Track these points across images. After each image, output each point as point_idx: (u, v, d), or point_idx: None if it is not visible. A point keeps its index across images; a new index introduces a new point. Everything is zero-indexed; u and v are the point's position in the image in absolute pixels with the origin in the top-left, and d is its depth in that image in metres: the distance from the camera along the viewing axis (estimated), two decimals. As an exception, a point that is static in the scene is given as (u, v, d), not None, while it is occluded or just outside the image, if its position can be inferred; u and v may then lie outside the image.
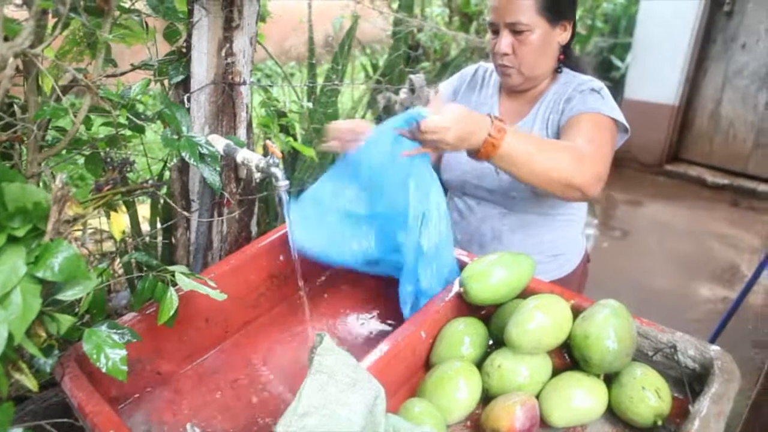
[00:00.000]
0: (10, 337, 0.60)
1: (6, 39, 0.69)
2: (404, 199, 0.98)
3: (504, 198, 1.26)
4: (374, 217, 1.07)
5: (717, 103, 4.02)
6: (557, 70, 1.24)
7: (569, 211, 1.29)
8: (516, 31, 1.13)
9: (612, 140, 1.12)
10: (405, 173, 0.98)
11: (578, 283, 1.38)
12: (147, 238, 1.36)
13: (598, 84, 1.19)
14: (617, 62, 4.88)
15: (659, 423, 0.81)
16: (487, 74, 1.35)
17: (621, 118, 1.14)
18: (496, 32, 1.17)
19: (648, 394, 0.81)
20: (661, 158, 4.23)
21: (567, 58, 1.26)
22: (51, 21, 0.97)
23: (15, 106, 1.05)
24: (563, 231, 1.29)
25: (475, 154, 0.96)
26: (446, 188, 1.37)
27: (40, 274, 0.64)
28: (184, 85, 1.17)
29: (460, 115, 0.92)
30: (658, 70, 4.00)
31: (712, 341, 0.85)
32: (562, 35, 1.18)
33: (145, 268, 0.95)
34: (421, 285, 1.00)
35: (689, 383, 0.86)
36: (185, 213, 1.25)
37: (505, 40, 1.15)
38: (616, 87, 4.81)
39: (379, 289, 1.23)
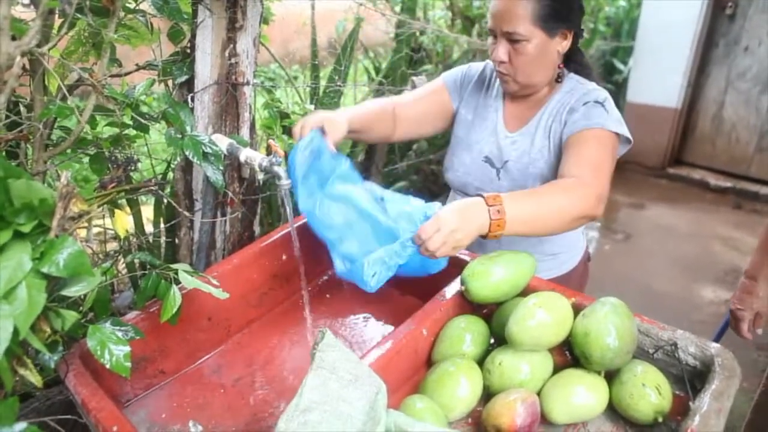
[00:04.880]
0: (15, 332, 0.61)
1: (13, 38, 0.70)
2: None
3: None
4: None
5: (719, 106, 4.02)
6: (558, 79, 1.23)
7: None
8: (513, 40, 1.13)
9: (613, 156, 1.12)
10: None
11: (578, 281, 1.39)
12: (150, 238, 1.37)
13: (603, 95, 1.17)
14: (620, 65, 4.88)
15: (660, 420, 0.81)
16: (493, 75, 1.34)
17: (625, 131, 1.13)
18: (495, 37, 1.17)
19: (648, 391, 0.81)
20: (664, 161, 4.22)
21: (574, 64, 1.25)
22: (57, 21, 0.98)
23: (21, 105, 1.06)
24: None
25: (485, 236, 0.93)
26: (449, 186, 1.38)
27: (45, 270, 0.65)
28: (188, 85, 1.18)
29: (451, 211, 0.90)
30: (660, 74, 4.00)
31: (715, 342, 0.85)
32: (561, 44, 1.17)
33: (148, 267, 0.96)
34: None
35: (690, 380, 0.86)
36: (186, 214, 1.26)
37: (502, 49, 1.14)
38: (619, 90, 4.82)
39: (381, 288, 1.23)
